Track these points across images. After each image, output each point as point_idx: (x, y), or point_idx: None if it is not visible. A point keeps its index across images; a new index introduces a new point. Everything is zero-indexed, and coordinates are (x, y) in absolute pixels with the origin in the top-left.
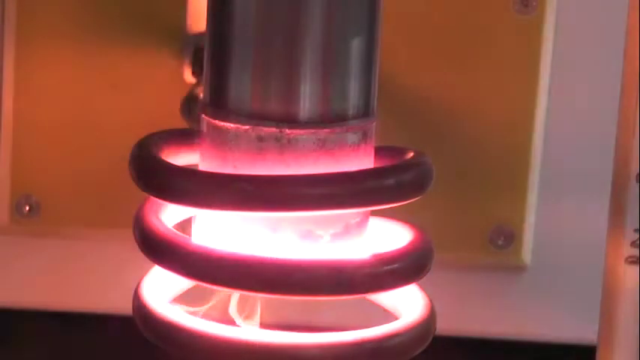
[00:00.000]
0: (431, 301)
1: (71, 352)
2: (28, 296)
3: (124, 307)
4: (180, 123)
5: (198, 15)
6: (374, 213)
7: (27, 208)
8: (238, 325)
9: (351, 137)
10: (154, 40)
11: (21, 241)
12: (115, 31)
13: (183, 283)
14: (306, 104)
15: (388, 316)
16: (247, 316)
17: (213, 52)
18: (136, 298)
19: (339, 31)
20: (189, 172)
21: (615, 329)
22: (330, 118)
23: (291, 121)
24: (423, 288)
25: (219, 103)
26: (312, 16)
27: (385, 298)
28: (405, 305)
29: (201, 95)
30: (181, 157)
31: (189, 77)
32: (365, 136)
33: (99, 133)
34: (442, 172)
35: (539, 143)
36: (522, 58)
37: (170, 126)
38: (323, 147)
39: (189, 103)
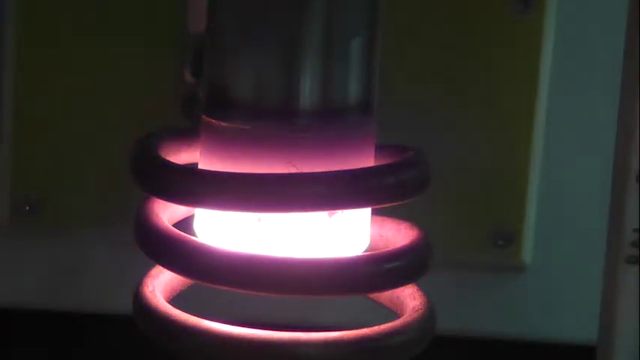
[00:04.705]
0: (431, 301)
1: (71, 352)
2: (28, 296)
3: (124, 307)
4: (180, 123)
5: (198, 15)
6: (374, 212)
7: (27, 207)
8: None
9: (352, 135)
10: (154, 40)
11: (21, 241)
12: (114, 31)
13: (183, 283)
14: (306, 103)
15: (388, 315)
16: None
17: (213, 52)
18: (136, 297)
19: (339, 30)
20: (189, 172)
21: (615, 329)
22: (330, 117)
23: (292, 120)
24: (423, 288)
25: (219, 103)
26: (312, 15)
27: (385, 297)
28: (405, 304)
29: (201, 95)
30: (181, 156)
31: (189, 77)
32: (365, 135)
33: (99, 133)
34: (442, 171)
35: (539, 143)
36: (522, 58)
37: (170, 126)
38: (323, 145)
39: (190, 103)
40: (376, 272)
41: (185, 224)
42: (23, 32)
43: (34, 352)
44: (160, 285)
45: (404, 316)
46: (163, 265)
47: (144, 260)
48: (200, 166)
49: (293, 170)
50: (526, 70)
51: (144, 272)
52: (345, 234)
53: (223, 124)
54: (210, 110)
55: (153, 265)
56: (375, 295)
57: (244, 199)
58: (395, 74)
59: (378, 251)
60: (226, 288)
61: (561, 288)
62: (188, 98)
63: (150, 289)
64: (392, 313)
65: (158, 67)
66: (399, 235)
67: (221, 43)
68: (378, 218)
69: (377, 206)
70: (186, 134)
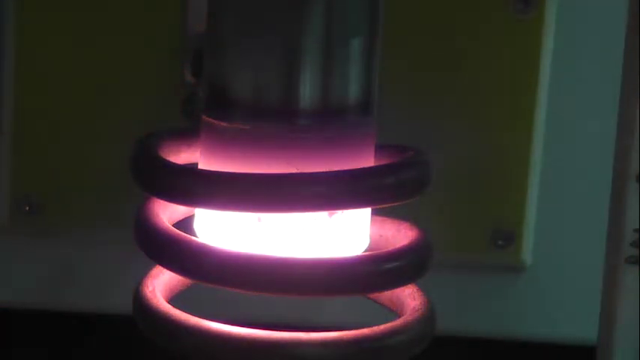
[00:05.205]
0: (431, 301)
1: (71, 352)
2: (28, 296)
3: (124, 307)
4: (180, 123)
5: (198, 15)
6: (374, 212)
7: (27, 207)
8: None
9: (352, 135)
10: (154, 40)
11: (21, 241)
12: (114, 32)
13: (183, 283)
14: (306, 103)
15: (388, 315)
16: None
17: (213, 52)
18: (136, 297)
19: (339, 30)
20: (190, 172)
21: (615, 329)
22: (330, 117)
23: (292, 120)
24: (423, 288)
25: (219, 103)
26: (312, 15)
27: (385, 297)
28: (405, 304)
29: (201, 95)
30: (181, 156)
31: (189, 77)
32: (365, 135)
33: (99, 133)
34: (442, 171)
35: (539, 143)
36: (522, 58)
37: (170, 126)
38: (323, 145)
39: (190, 103)
40: (376, 272)
41: (185, 224)
42: (23, 32)
43: (34, 352)
44: (160, 285)
45: (404, 316)
46: (163, 265)
47: (144, 260)
48: (200, 166)
49: (293, 170)
50: (526, 70)
51: (144, 272)
52: (345, 234)
53: (223, 124)
54: (210, 110)
55: (153, 265)
56: (375, 295)
57: (244, 199)
58: (395, 74)
59: (377, 251)
60: (226, 288)
61: (561, 288)
62: (188, 98)
63: (150, 289)
64: (392, 313)
65: (158, 67)
66: (399, 235)
67: (221, 43)
68: (378, 218)
69: (377, 206)
70: (186, 134)
